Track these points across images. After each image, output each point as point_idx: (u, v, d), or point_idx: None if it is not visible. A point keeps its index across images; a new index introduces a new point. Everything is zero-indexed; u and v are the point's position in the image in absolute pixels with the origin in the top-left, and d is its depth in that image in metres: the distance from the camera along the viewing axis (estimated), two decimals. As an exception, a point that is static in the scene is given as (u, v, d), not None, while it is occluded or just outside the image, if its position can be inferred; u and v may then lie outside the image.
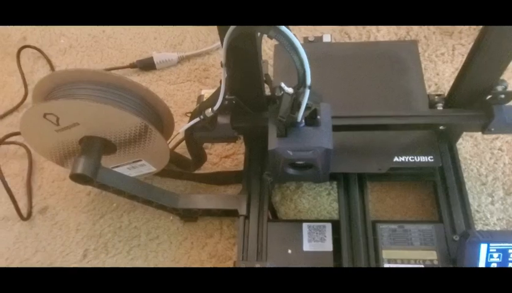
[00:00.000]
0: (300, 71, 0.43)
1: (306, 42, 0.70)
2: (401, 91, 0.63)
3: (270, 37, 0.42)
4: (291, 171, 0.53)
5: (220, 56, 0.51)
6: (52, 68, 0.86)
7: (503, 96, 0.53)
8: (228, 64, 0.48)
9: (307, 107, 0.47)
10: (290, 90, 0.46)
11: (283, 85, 0.46)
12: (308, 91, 0.45)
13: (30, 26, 0.91)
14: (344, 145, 0.49)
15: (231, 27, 0.43)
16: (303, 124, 0.49)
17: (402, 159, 0.57)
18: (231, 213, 0.62)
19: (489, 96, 0.53)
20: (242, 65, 0.50)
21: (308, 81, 0.44)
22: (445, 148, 0.62)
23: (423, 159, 0.57)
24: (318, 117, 0.49)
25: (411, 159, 0.57)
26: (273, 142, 0.49)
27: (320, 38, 0.71)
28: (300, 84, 0.45)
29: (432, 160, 0.57)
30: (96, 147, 0.55)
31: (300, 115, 0.47)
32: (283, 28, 0.41)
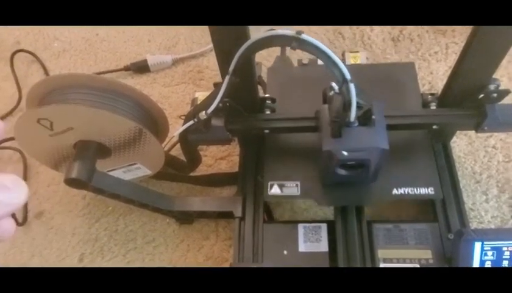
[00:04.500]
0: (336, 71, 0.43)
1: (300, 65, 0.69)
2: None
3: (294, 48, 0.42)
4: (342, 172, 0.53)
5: (214, 58, 0.51)
6: (46, 72, 0.85)
7: (495, 95, 0.53)
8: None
9: (360, 107, 0.46)
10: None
11: (333, 84, 0.45)
12: (352, 85, 0.43)
13: (24, 30, 0.91)
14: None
15: (250, 40, 0.43)
16: (356, 124, 0.48)
17: (402, 191, 0.56)
18: (227, 215, 0.62)
19: (481, 95, 0.53)
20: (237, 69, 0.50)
21: (347, 76, 0.43)
22: (439, 147, 0.62)
23: (423, 191, 0.56)
24: (373, 117, 0.48)
25: (411, 191, 0.56)
26: (328, 143, 0.48)
27: (315, 60, 0.69)
28: (342, 82, 0.44)
29: (433, 192, 0.56)
30: (91, 151, 0.55)
31: (353, 113, 0.45)
32: (305, 36, 0.41)
